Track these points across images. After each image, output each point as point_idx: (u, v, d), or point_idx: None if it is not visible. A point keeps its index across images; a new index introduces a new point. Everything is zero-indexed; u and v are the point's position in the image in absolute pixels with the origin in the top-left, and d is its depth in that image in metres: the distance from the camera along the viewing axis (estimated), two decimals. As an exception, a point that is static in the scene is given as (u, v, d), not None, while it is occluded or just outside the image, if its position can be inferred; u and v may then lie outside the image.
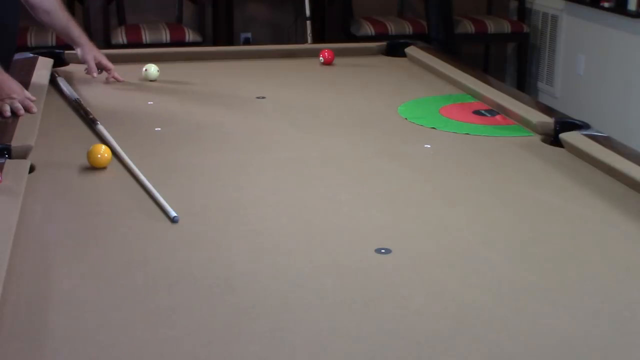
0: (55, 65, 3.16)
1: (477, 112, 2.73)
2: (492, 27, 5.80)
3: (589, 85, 5.35)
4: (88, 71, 3.08)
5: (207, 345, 1.36)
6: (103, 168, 2.15)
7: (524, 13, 5.99)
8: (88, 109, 2.61)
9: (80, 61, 3.12)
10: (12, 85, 2.56)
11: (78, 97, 2.76)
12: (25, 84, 2.74)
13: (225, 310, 1.48)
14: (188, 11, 5.81)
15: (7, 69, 2.69)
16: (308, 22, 5.43)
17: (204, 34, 5.64)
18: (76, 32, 3.12)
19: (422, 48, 3.53)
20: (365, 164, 2.28)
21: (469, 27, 5.76)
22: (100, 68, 3.09)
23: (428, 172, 2.23)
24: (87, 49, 3.10)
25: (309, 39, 5.34)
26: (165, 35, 5.33)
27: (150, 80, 3.07)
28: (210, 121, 2.66)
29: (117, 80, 3.07)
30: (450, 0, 5.55)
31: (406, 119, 2.67)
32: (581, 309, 1.50)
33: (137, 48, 4.77)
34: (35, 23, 3.84)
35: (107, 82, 3.06)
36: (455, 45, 5.54)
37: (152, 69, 3.08)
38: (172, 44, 5.25)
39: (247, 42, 5.99)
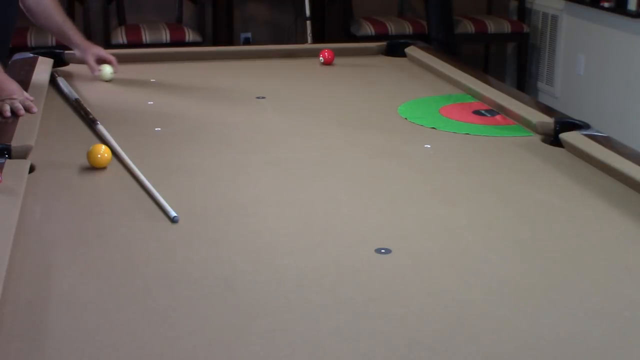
0: (55, 65, 3.16)
1: (477, 112, 2.73)
2: (492, 27, 5.80)
3: (589, 85, 5.35)
4: (90, 70, 3.09)
5: (207, 345, 1.36)
6: (103, 168, 2.15)
7: (524, 13, 5.99)
8: (88, 109, 2.61)
9: (80, 61, 3.13)
10: (12, 85, 2.56)
11: (78, 97, 2.76)
12: (25, 84, 2.75)
13: (225, 310, 1.48)
14: (188, 11, 5.82)
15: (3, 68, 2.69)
16: (308, 22, 5.43)
17: (204, 34, 5.64)
18: (72, 33, 3.12)
19: (422, 48, 3.53)
20: (365, 164, 2.28)
21: (469, 27, 5.76)
22: (101, 63, 3.10)
23: (428, 172, 2.23)
24: (84, 48, 3.11)
25: (309, 39, 5.34)
26: (165, 35, 5.33)
27: (106, 81, 3.06)
28: (210, 121, 2.66)
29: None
30: (450, 0, 5.55)
31: (406, 119, 2.67)
32: (581, 309, 1.50)
33: (137, 48, 4.77)
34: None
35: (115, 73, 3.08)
36: (455, 45, 5.54)
37: (106, 69, 3.07)
38: (172, 44, 5.25)
39: (247, 42, 5.99)
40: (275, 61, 3.48)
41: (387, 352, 1.35)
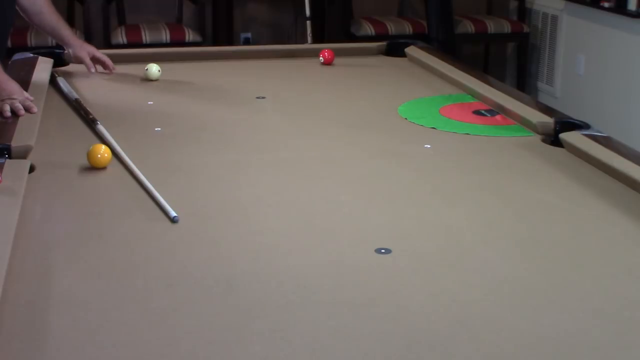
0: (55, 65, 3.16)
1: (477, 112, 2.73)
2: (492, 27, 5.80)
3: (589, 85, 5.35)
4: (86, 68, 3.12)
5: (207, 345, 1.36)
6: (103, 168, 2.15)
7: (524, 13, 5.99)
8: (88, 109, 2.61)
9: (74, 61, 3.16)
10: (12, 85, 2.56)
11: (78, 97, 2.76)
12: (25, 84, 2.75)
13: (225, 310, 1.48)
14: (188, 11, 5.81)
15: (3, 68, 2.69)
16: (308, 22, 5.43)
17: (204, 34, 5.64)
18: (66, 32, 3.15)
19: (422, 48, 3.53)
20: (365, 164, 2.28)
21: (469, 27, 5.76)
22: (97, 62, 3.14)
23: (428, 172, 2.23)
24: (79, 47, 3.14)
25: (309, 39, 5.34)
26: (165, 35, 5.33)
27: (152, 80, 3.07)
28: (210, 121, 2.66)
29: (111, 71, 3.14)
30: (450, 0, 5.55)
31: (406, 119, 2.67)
32: (581, 309, 1.50)
33: (137, 48, 4.77)
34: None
35: (111, 73, 3.13)
36: (455, 45, 5.54)
37: (153, 68, 3.08)
38: (172, 44, 5.25)
39: (247, 42, 5.99)
40: (275, 61, 3.48)
41: (387, 352, 1.35)
